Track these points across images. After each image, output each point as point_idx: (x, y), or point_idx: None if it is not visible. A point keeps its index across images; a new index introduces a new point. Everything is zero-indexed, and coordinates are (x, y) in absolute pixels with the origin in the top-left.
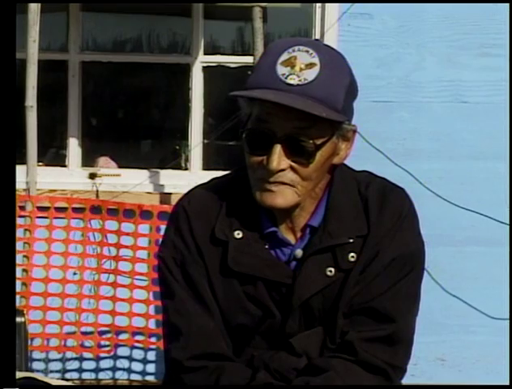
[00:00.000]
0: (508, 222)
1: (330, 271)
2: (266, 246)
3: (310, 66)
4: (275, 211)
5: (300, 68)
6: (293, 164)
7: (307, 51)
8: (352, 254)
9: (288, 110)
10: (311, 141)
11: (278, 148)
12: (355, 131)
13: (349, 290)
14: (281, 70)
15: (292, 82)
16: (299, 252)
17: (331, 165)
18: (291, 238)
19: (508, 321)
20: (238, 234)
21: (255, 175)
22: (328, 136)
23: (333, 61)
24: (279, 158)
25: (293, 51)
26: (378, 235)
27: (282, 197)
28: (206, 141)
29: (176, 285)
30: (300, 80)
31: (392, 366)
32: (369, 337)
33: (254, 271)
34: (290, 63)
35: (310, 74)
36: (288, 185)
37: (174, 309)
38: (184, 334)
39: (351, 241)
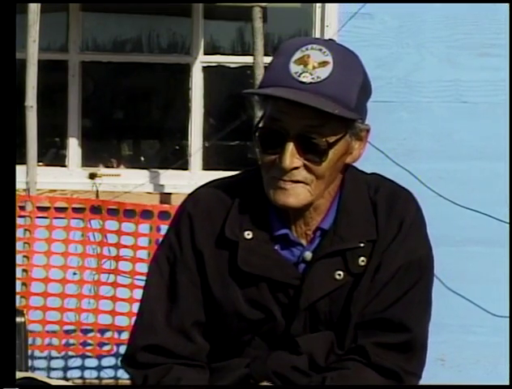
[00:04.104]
0: (508, 222)
1: (339, 275)
2: (276, 247)
3: (323, 64)
4: (290, 213)
5: (313, 66)
6: (306, 162)
7: (320, 49)
8: (362, 258)
9: (300, 108)
10: (324, 139)
11: (290, 146)
12: (368, 131)
13: (360, 297)
14: (294, 68)
15: (304, 80)
16: (308, 255)
17: (344, 165)
18: (302, 240)
19: (508, 320)
20: (248, 235)
21: (268, 174)
22: (341, 134)
23: (346, 60)
24: (291, 156)
25: (306, 49)
26: (386, 242)
27: (295, 196)
28: (206, 144)
29: (158, 279)
30: (313, 78)
31: (405, 371)
32: (381, 342)
33: (263, 272)
34: (303, 61)
35: (323, 73)
36: (302, 183)
37: (146, 300)
38: (137, 324)
39: (361, 245)
